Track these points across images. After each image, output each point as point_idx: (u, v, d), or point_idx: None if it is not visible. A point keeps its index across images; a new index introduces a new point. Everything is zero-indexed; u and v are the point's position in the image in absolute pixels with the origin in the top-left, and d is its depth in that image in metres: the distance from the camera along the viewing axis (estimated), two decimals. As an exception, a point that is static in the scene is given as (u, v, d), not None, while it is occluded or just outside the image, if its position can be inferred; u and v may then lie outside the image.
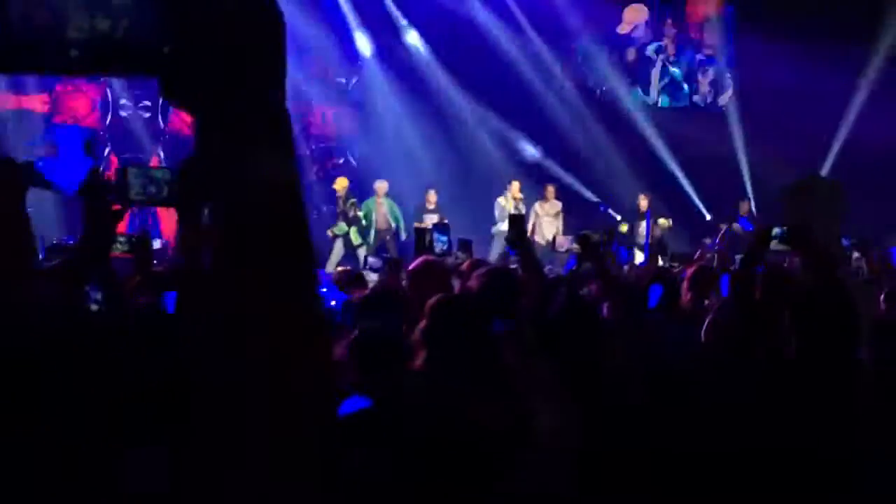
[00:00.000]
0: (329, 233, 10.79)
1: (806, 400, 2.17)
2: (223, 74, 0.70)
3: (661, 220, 11.81)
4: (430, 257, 3.36)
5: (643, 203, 11.46)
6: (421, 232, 4.10)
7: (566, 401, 2.21)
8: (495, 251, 10.43)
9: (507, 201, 11.14)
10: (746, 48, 13.27)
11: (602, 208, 11.46)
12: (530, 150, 12.86)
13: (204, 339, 0.72)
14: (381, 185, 11.18)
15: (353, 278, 4.66)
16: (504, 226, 10.85)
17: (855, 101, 12.17)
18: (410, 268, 3.23)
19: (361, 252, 10.63)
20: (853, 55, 11.81)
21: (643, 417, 2.25)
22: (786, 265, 4.61)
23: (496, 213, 11.23)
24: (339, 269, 8.77)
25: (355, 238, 10.86)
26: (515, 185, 11.19)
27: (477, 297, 2.83)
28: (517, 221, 2.85)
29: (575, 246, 9.95)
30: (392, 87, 13.03)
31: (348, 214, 10.83)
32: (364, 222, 10.91)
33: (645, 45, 13.88)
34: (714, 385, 2.43)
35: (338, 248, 10.84)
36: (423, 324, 2.44)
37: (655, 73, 13.93)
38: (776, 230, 3.01)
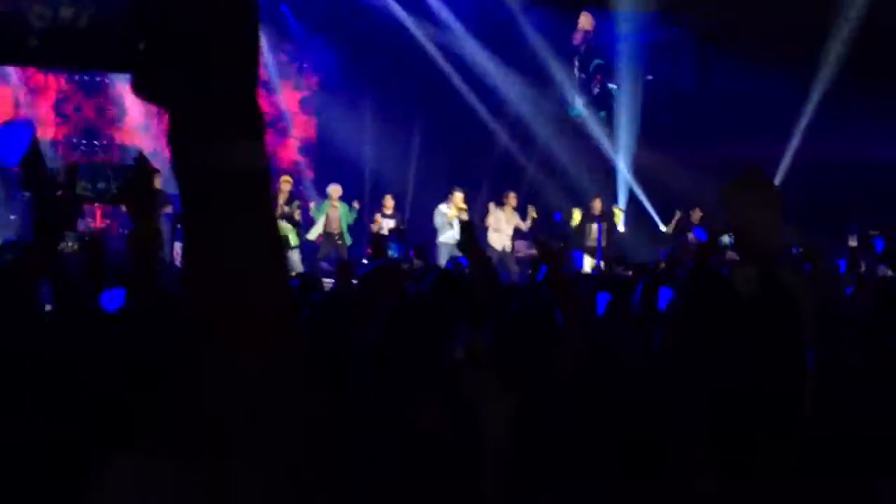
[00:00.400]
0: None
1: (755, 396, 2.20)
2: (198, 69, 0.70)
3: (616, 210, 12.02)
4: (383, 263, 3.33)
5: (596, 205, 11.60)
6: (377, 238, 4.07)
7: (513, 407, 2.20)
8: (442, 259, 10.42)
9: (451, 210, 11.13)
10: (699, 57, 13.61)
11: (556, 217, 11.55)
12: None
13: (175, 332, 0.73)
14: (335, 189, 11.08)
15: (307, 282, 4.62)
16: (447, 235, 10.91)
17: (805, 110, 12.53)
18: (362, 273, 3.19)
19: (295, 255, 10.45)
20: (803, 64, 12.14)
21: (596, 421, 2.25)
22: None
23: (437, 220, 11.18)
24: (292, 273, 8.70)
25: (294, 240, 10.66)
26: (458, 195, 11.12)
27: (428, 303, 2.81)
28: (468, 229, 2.84)
29: (532, 251, 10.08)
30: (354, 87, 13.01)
31: (292, 216, 10.64)
32: (299, 230, 10.76)
33: (588, 55, 14.14)
34: (664, 387, 2.44)
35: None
36: (375, 331, 2.41)
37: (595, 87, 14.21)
38: (726, 239, 3.04)
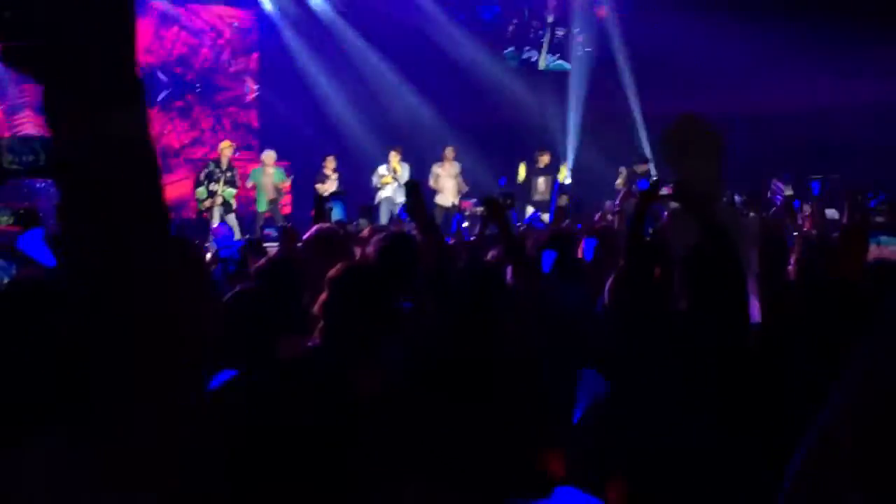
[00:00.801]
0: (214, 197, 10.41)
1: (698, 351, 2.23)
2: (68, 39, 0.68)
3: (562, 169, 12.14)
4: (324, 225, 3.27)
5: (543, 159, 11.68)
6: (318, 200, 4.00)
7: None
8: (384, 218, 10.40)
9: (387, 170, 11.09)
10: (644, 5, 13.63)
11: (501, 182, 11.57)
12: None
13: (72, 302, 0.73)
14: (269, 155, 10.98)
15: (253, 246, 4.55)
16: (385, 193, 10.89)
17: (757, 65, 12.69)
18: (305, 237, 3.14)
19: (232, 219, 10.41)
20: (756, 18, 12.25)
21: (545, 381, 2.26)
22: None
23: (374, 180, 11.16)
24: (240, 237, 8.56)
25: (232, 202, 10.65)
26: (394, 155, 11.09)
27: (376, 265, 2.78)
28: (413, 189, 2.80)
29: (479, 209, 10.10)
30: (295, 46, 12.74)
31: (234, 180, 10.57)
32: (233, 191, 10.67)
33: (533, 8, 14.14)
34: (612, 344, 2.47)
35: (225, 214, 10.53)
36: (323, 296, 2.38)
37: (546, 39, 14.22)
38: (664, 190, 3.07)
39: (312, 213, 3.77)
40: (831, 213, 7.15)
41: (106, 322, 0.69)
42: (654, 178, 3.15)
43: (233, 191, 10.57)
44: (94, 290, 0.69)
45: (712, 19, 11.85)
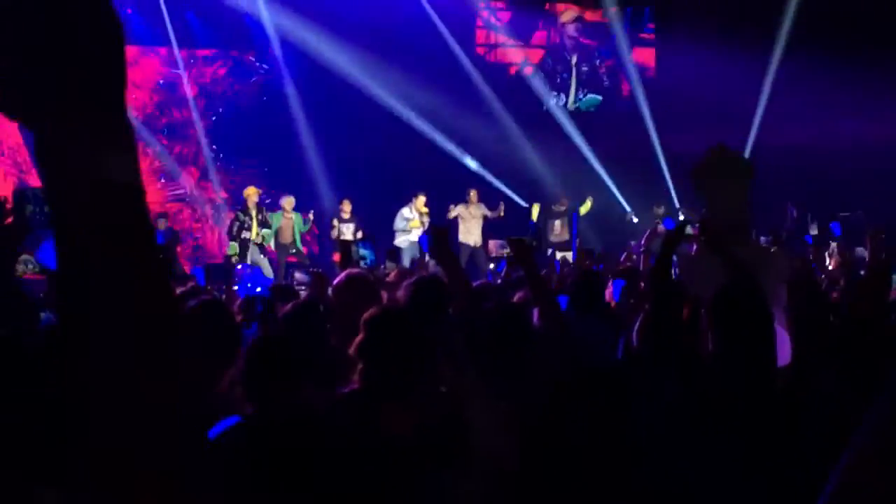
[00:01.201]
0: (248, 246, 10.57)
1: (724, 395, 2.23)
2: (60, 85, 0.68)
3: (584, 207, 12.20)
4: (354, 270, 3.34)
5: (561, 205, 11.87)
6: (345, 245, 4.06)
7: (500, 416, 2.21)
8: (406, 260, 10.47)
9: (413, 213, 11.16)
10: (661, 47, 13.77)
11: (531, 225, 11.68)
12: (470, 162, 12.99)
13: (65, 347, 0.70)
14: (289, 201, 11.15)
15: (285, 291, 4.61)
16: (410, 236, 10.95)
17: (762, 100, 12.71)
18: (335, 282, 3.19)
19: (263, 259, 10.61)
20: (763, 52, 12.31)
21: (574, 425, 2.27)
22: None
23: (398, 223, 11.19)
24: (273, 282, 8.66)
25: (270, 242, 10.83)
26: (421, 198, 11.19)
27: (407, 308, 2.82)
28: (440, 234, 2.85)
29: (505, 251, 10.14)
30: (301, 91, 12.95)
31: (266, 222, 10.74)
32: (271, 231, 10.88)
33: (557, 50, 14.32)
34: (640, 386, 2.47)
35: (258, 255, 10.67)
36: (359, 338, 2.42)
37: (572, 79, 14.38)
38: (690, 229, 3.08)
39: (336, 257, 3.84)
40: (860, 251, 7.10)
41: (94, 378, 0.68)
42: (681, 219, 3.17)
43: (270, 231, 10.73)
44: (84, 339, 0.68)
45: (733, 56, 11.93)
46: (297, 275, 9.91)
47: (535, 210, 11.87)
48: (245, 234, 10.55)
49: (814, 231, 9.57)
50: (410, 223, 11.10)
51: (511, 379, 2.50)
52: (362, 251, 4.08)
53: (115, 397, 0.68)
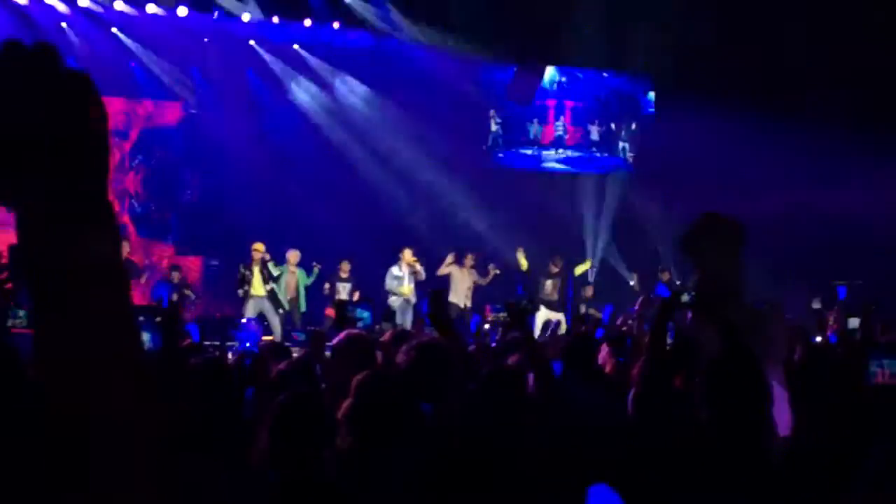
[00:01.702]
0: (251, 297, 10.62)
1: (719, 464, 2.23)
2: (42, 169, 0.69)
3: (579, 268, 12.21)
4: (353, 331, 3.35)
5: (555, 267, 11.81)
6: (340, 306, 4.09)
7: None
8: (399, 318, 10.47)
9: (402, 271, 11.17)
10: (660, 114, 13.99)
11: (519, 290, 11.64)
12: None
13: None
14: (294, 255, 11.19)
15: (277, 350, 4.59)
16: (395, 298, 10.95)
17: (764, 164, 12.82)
18: (333, 342, 3.21)
19: (276, 318, 10.67)
20: (764, 124, 12.49)
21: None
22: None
23: (390, 283, 11.17)
24: (265, 338, 8.62)
25: (282, 300, 10.92)
26: (408, 252, 11.18)
27: (406, 374, 2.80)
28: (437, 298, 2.87)
29: (501, 315, 10.13)
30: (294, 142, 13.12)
31: (274, 275, 10.81)
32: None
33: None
34: (636, 456, 2.47)
35: (268, 310, 10.70)
36: (348, 402, 2.41)
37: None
38: (685, 297, 3.10)
39: (329, 311, 3.83)
40: (854, 322, 7.11)
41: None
42: (677, 287, 3.19)
43: (278, 287, 10.79)
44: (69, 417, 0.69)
45: (733, 123, 12.09)
46: (294, 333, 9.88)
47: (521, 256, 11.79)
48: (245, 288, 10.58)
49: (816, 305, 9.53)
50: (401, 288, 11.10)
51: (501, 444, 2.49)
52: (360, 312, 4.12)
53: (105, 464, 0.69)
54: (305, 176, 12.85)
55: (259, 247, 10.88)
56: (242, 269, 10.71)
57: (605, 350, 4.17)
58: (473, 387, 2.85)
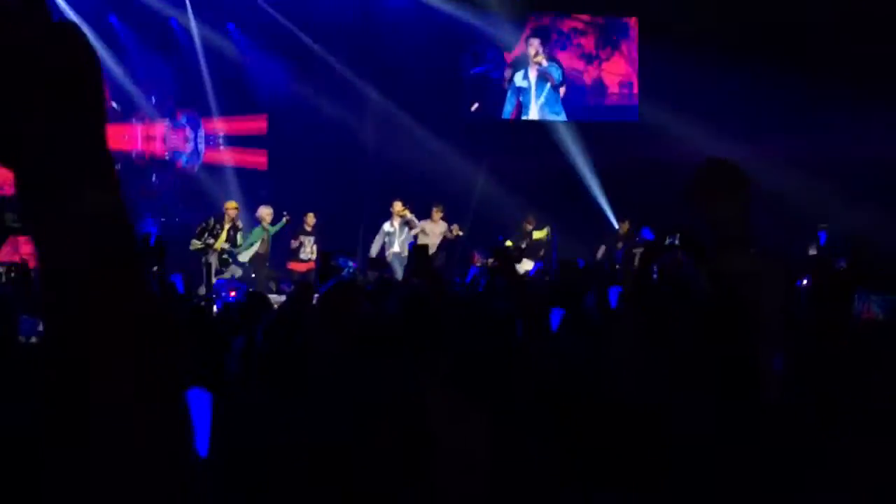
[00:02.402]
0: (210, 248, 10.53)
1: (707, 398, 2.24)
2: (37, 124, 0.68)
3: (536, 234, 12.26)
4: (341, 280, 3.33)
5: (529, 225, 11.89)
6: (324, 258, 4.06)
7: (475, 424, 2.21)
8: (398, 272, 10.47)
9: (393, 226, 11.13)
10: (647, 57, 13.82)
11: (500, 239, 11.65)
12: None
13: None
14: (267, 212, 11.11)
15: (258, 300, 4.57)
16: (394, 249, 10.95)
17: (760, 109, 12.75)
18: (323, 291, 3.19)
19: (237, 268, 10.68)
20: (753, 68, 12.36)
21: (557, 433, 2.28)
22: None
23: (383, 239, 11.18)
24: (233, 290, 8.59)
25: (242, 257, 10.88)
26: (397, 203, 11.17)
27: (399, 322, 2.80)
28: (420, 252, 2.85)
29: (489, 261, 10.15)
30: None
31: (236, 240, 10.75)
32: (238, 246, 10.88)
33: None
34: (624, 393, 2.48)
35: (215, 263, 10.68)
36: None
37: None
38: (669, 240, 3.09)
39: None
40: (841, 263, 7.17)
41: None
42: (665, 229, 3.16)
43: (242, 250, 10.75)
44: (78, 375, 0.68)
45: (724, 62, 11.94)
46: (282, 286, 9.83)
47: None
48: (209, 241, 10.49)
49: (813, 251, 9.59)
50: (394, 231, 11.05)
51: (493, 392, 2.49)
52: (344, 262, 4.07)
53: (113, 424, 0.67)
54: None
55: (232, 205, 10.79)
56: (213, 223, 10.55)
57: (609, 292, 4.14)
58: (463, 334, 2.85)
